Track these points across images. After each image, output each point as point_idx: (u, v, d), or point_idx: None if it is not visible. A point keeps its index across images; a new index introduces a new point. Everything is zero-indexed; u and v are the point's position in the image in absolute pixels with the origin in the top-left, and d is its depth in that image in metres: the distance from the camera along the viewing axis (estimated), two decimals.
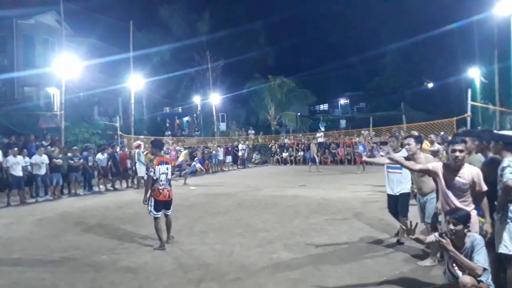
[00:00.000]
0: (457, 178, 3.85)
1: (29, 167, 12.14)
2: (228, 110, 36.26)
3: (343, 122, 37.69)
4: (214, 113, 28.52)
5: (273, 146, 26.99)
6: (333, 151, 24.24)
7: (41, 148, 12.95)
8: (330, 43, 41.02)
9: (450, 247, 3.48)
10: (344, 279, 4.68)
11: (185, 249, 6.14)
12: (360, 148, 19.12)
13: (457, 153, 3.81)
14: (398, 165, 5.07)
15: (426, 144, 8.88)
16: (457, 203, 3.83)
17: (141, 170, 14.12)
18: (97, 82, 24.77)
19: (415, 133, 9.97)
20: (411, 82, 36.40)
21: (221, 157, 22.35)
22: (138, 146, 15.21)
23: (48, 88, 23.47)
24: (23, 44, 22.90)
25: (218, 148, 22.84)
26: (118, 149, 15.32)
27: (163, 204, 6.23)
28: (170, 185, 6.32)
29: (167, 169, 6.30)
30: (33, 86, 23.48)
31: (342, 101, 47.52)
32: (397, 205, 5.90)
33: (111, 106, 28.56)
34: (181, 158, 17.77)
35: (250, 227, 7.56)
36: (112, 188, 14.21)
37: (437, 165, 4.05)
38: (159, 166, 6.18)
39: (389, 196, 6.08)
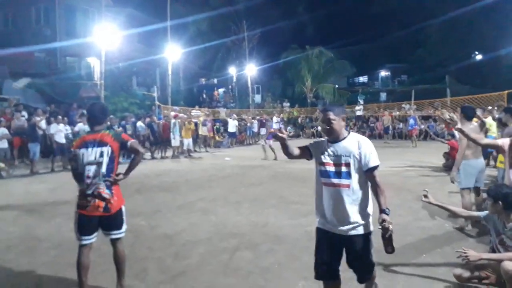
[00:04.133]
0: None
1: (70, 135, 12.62)
2: (264, 81, 35.93)
3: (383, 95, 36.45)
4: (249, 85, 28.31)
5: (300, 119, 26.76)
6: (371, 125, 23.60)
7: (85, 116, 13.40)
8: (371, 12, 39.18)
9: (474, 255, 3.27)
10: (381, 255, 4.48)
11: (220, 219, 6.20)
12: (411, 121, 18.57)
13: None
14: (345, 170, 2.82)
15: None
16: None
17: (175, 141, 15.00)
18: (135, 52, 25.10)
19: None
20: (458, 54, 34.35)
21: (255, 129, 22.34)
22: (175, 117, 15.49)
23: (88, 58, 24.09)
24: (64, 14, 23.47)
25: (253, 120, 22.81)
26: (155, 118, 15.69)
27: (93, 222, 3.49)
28: (107, 187, 3.47)
29: (101, 154, 3.46)
30: (75, 56, 24.17)
31: (383, 73, 45.85)
32: (350, 255, 2.95)
33: (149, 76, 29.00)
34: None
35: (284, 199, 7.52)
36: (150, 157, 14.60)
37: (506, 141, 3.79)
38: (82, 149, 3.46)
39: (323, 233, 2.96)
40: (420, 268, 4.14)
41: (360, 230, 2.86)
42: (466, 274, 3.48)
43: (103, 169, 3.43)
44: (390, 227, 2.73)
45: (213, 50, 31.39)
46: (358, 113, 25.28)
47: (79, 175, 3.46)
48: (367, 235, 2.89)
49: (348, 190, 2.83)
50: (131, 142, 3.54)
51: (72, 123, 13.14)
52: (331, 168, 2.89)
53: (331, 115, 2.88)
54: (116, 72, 22.97)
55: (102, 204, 3.41)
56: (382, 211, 2.77)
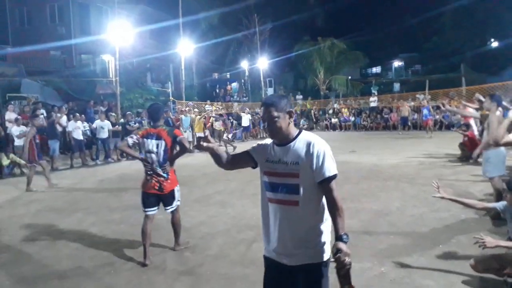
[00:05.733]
0: None
1: (88, 132, 12.89)
2: (276, 75, 35.83)
3: (396, 86, 36.02)
4: (261, 78, 28.28)
5: (313, 111, 26.72)
6: (385, 116, 23.37)
7: (102, 113, 13.68)
8: (384, 0, 38.58)
9: (491, 241, 3.20)
10: (397, 246, 4.58)
11: (238, 211, 6.31)
12: (425, 111, 18.36)
13: None
14: (293, 183, 2.16)
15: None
16: None
17: (187, 135, 15.05)
18: (149, 48, 25.29)
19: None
20: (473, 41, 33.56)
21: None
22: (184, 112, 15.69)
23: (103, 55, 24.37)
24: (78, 12, 23.80)
25: None
26: (170, 114, 15.88)
27: (151, 198, 4.35)
28: (164, 171, 4.28)
29: (157, 146, 4.25)
30: (89, 53, 24.50)
31: (396, 63, 45.22)
32: None
33: (163, 72, 29.20)
34: None
35: None
36: None
37: None
38: (144, 139, 4.31)
39: (269, 264, 2.38)
40: (437, 259, 4.16)
41: (311, 260, 2.16)
42: (483, 264, 3.49)
43: (160, 158, 4.24)
44: (347, 260, 1.96)
45: (225, 44, 31.35)
46: (373, 104, 25.07)
47: (142, 160, 4.30)
48: (319, 266, 2.16)
49: (296, 208, 2.16)
50: (180, 138, 4.32)
51: (89, 120, 13.38)
52: (276, 180, 2.23)
53: (273, 111, 2.17)
54: (130, 69, 23.20)
55: (157, 184, 4.26)
56: (338, 237, 2.05)
